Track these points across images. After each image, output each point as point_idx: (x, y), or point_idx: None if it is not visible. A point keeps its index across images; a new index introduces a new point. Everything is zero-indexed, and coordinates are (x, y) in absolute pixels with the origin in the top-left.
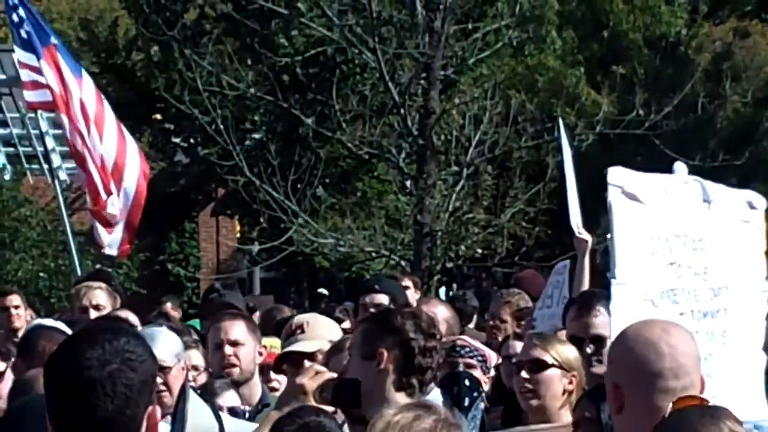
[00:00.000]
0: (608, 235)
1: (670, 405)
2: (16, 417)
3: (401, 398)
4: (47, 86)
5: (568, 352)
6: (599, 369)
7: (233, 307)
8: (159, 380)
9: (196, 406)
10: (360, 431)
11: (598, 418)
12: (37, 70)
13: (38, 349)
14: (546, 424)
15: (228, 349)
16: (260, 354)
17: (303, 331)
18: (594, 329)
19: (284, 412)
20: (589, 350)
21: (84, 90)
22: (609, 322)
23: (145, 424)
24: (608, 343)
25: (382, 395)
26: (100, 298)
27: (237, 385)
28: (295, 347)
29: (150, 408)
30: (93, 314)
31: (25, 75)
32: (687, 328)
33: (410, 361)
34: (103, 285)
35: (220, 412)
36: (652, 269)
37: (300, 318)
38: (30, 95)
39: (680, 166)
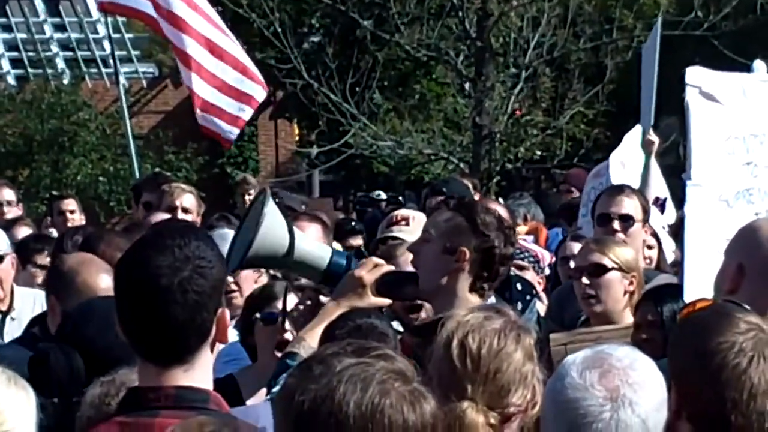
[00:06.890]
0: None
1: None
2: (78, 320)
3: (473, 299)
4: None
5: (626, 253)
6: None
7: (293, 211)
8: (230, 279)
9: (273, 212)
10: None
11: (660, 320)
12: None
13: (98, 253)
14: (609, 326)
15: None
16: None
17: (408, 224)
18: (624, 208)
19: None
20: (616, 227)
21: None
22: (639, 207)
23: (215, 327)
24: (636, 225)
25: (455, 292)
26: (190, 202)
27: (301, 289)
28: (398, 234)
29: (220, 311)
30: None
31: None
32: None
33: (489, 267)
34: (194, 190)
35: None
36: (728, 169)
37: (406, 211)
38: None
39: (759, 65)
